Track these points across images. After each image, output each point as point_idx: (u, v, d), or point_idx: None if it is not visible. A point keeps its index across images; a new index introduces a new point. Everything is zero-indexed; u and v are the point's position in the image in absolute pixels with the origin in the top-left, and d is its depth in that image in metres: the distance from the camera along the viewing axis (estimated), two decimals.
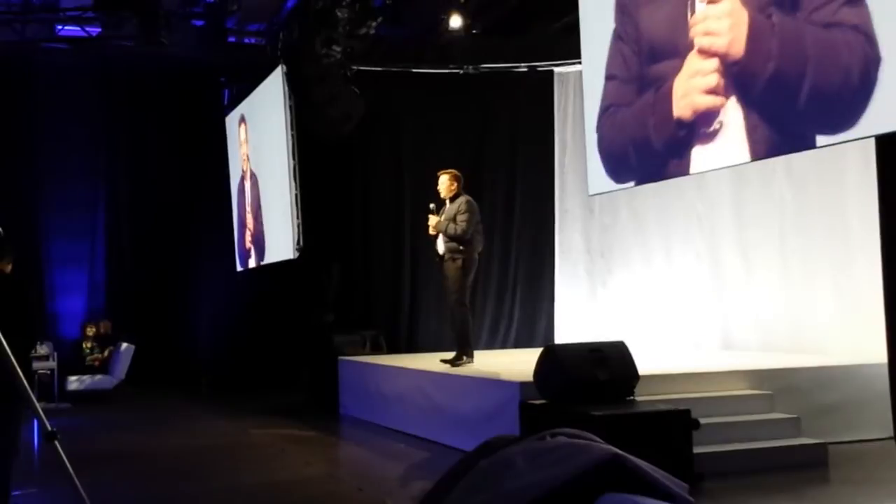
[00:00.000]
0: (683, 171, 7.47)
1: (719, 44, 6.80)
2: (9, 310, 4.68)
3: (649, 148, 7.74)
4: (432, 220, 8.62)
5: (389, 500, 5.88)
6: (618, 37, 8.08)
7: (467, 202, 8.58)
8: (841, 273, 8.39)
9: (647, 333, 10.64)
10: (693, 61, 7.15)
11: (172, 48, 10.92)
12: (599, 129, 8.41)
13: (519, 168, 12.34)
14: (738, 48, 6.61)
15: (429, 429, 8.22)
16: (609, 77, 8.26)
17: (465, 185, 8.82)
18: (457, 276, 8.47)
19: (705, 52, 6.97)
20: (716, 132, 6.92)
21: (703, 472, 5.87)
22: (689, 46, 7.18)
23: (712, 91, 6.90)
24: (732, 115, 6.72)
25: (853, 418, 7.26)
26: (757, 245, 9.45)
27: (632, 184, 8.25)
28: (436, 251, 8.73)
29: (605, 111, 8.32)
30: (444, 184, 8.73)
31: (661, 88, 7.53)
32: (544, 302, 12.31)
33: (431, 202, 8.75)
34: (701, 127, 7.07)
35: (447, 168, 8.93)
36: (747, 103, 6.58)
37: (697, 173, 7.61)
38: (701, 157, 7.17)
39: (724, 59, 6.77)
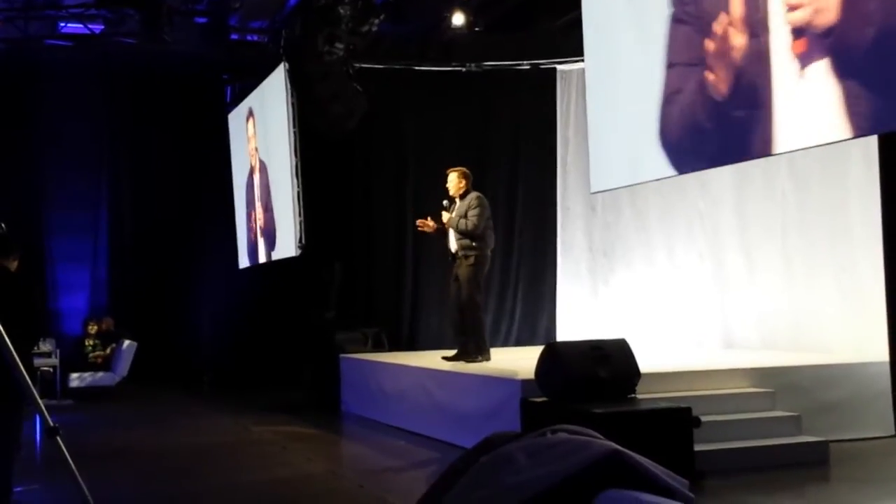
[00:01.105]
0: (766, 150, 6.66)
1: (803, 16, 6.08)
2: (12, 307, 4.68)
3: (702, 132, 7.16)
4: (444, 216, 8.61)
5: (390, 496, 5.89)
6: (677, 20, 7.52)
7: (478, 198, 8.56)
8: (843, 271, 8.39)
9: (648, 331, 10.63)
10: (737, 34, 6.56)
11: (175, 45, 10.92)
12: (661, 119, 7.65)
13: (521, 166, 12.33)
14: (828, 17, 5.88)
15: (430, 426, 8.23)
16: (670, 65, 7.57)
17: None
18: (469, 274, 8.45)
19: (789, 26, 6.21)
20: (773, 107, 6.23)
21: (704, 470, 5.87)
22: (754, 17, 6.53)
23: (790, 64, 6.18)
24: (823, 88, 5.93)
25: (855, 416, 7.26)
26: (759, 243, 9.44)
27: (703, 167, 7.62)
28: (448, 249, 8.72)
29: (666, 101, 7.60)
30: (453, 181, 8.71)
31: (708, 65, 6.97)
32: (546, 300, 12.31)
33: (445, 200, 8.72)
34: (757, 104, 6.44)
35: (452, 166, 8.93)
36: (843, 74, 5.81)
37: (786, 153, 6.85)
38: (784, 134, 6.34)
39: (810, 29, 6.03)
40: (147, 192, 13.89)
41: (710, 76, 7.04)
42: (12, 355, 4.47)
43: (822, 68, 5.96)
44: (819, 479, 6.23)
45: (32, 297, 5.38)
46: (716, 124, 7.02)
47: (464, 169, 8.83)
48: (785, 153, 7.00)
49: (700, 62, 7.14)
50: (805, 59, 6.11)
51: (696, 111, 7.21)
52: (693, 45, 7.24)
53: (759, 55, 6.54)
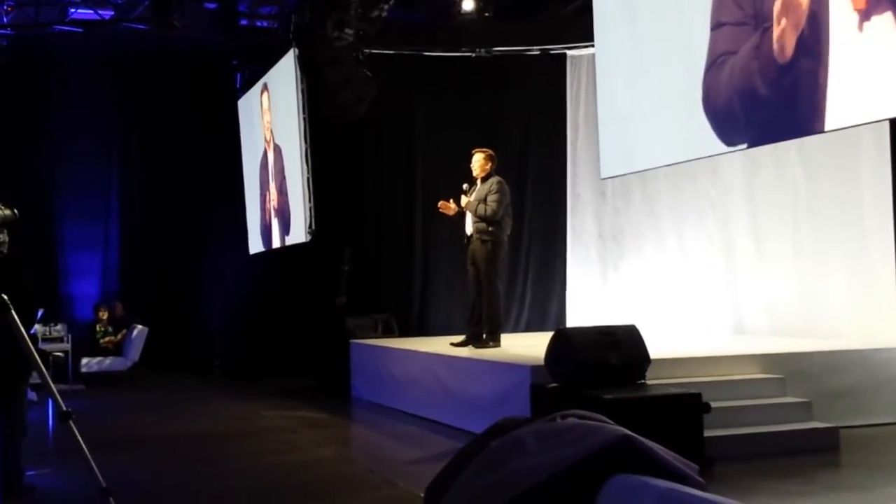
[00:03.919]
0: (816, 127, 6.16)
1: None
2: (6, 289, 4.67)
3: (756, 99, 6.67)
4: (463, 200, 8.58)
5: (400, 481, 5.91)
6: None
7: (499, 183, 8.50)
8: (853, 257, 8.36)
9: (658, 317, 10.63)
10: None
11: (185, 31, 10.92)
12: (705, 83, 7.27)
13: (531, 152, 12.32)
14: None
15: (440, 412, 8.25)
16: (716, 26, 7.14)
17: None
18: (486, 258, 8.43)
19: None
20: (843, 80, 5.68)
21: (714, 456, 5.88)
22: None
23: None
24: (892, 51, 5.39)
25: (865, 402, 7.24)
26: (770, 229, 9.42)
27: (744, 146, 7.10)
28: (463, 231, 8.69)
29: (713, 64, 7.18)
30: (479, 162, 8.64)
31: (768, 29, 6.44)
32: (556, 286, 12.32)
33: (465, 184, 8.68)
34: (817, 72, 5.90)
35: (462, 152, 8.91)
36: None
37: (836, 129, 6.23)
38: (840, 108, 5.86)
39: None
40: (158, 178, 13.91)
41: (770, 37, 6.44)
42: (25, 340, 4.50)
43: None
44: (829, 465, 6.23)
45: (25, 278, 5.41)
46: (773, 92, 6.48)
47: (490, 150, 8.75)
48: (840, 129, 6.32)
49: (753, 21, 6.67)
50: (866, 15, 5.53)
51: (752, 76, 6.67)
52: (742, 2, 6.81)
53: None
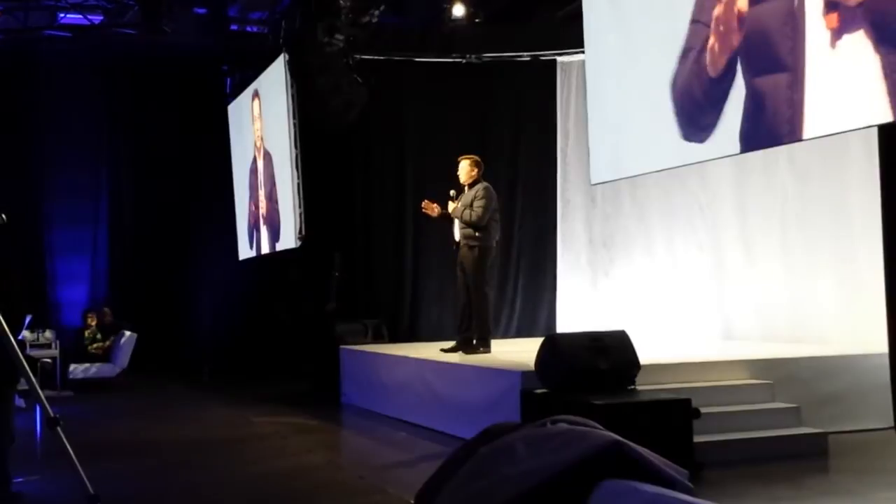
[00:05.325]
0: (795, 136, 6.29)
1: None
2: None
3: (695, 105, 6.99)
4: (451, 206, 8.60)
5: (390, 487, 5.90)
6: None
7: (485, 189, 8.51)
8: (842, 263, 8.39)
9: (648, 323, 10.64)
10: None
11: (174, 36, 10.92)
12: (675, 75, 7.45)
13: (521, 157, 12.32)
14: None
15: (430, 418, 8.24)
16: (694, 20, 7.22)
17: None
18: (474, 264, 8.44)
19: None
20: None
21: (703, 461, 5.89)
22: None
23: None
24: (864, 66, 5.55)
25: (854, 408, 7.27)
26: (759, 235, 9.45)
27: (711, 144, 7.06)
28: (452, 238, 8.71)
29: (683, 55, 7.33)
30: (464, 169, 8.67)
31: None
32: (546, 291, 12.31)
33: (452, 190, 8.69)
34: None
35: (452, 157, 8.90)
36: (887, 49, 5.38)
37: (815, 138, 6.33)
38: (820, 117, 6.00)
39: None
40: (147, 184, 13.90)
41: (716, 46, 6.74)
42: (13, 346, 4.48)
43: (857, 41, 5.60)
44: (818, 470, 6.25)
45: (13, 284, 5.40)
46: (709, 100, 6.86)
47: (475, 157, 8.77)
48: (815, 138, 6.43)
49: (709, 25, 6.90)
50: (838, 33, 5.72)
51: (692, 84, 7.07)
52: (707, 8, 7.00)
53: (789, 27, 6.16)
